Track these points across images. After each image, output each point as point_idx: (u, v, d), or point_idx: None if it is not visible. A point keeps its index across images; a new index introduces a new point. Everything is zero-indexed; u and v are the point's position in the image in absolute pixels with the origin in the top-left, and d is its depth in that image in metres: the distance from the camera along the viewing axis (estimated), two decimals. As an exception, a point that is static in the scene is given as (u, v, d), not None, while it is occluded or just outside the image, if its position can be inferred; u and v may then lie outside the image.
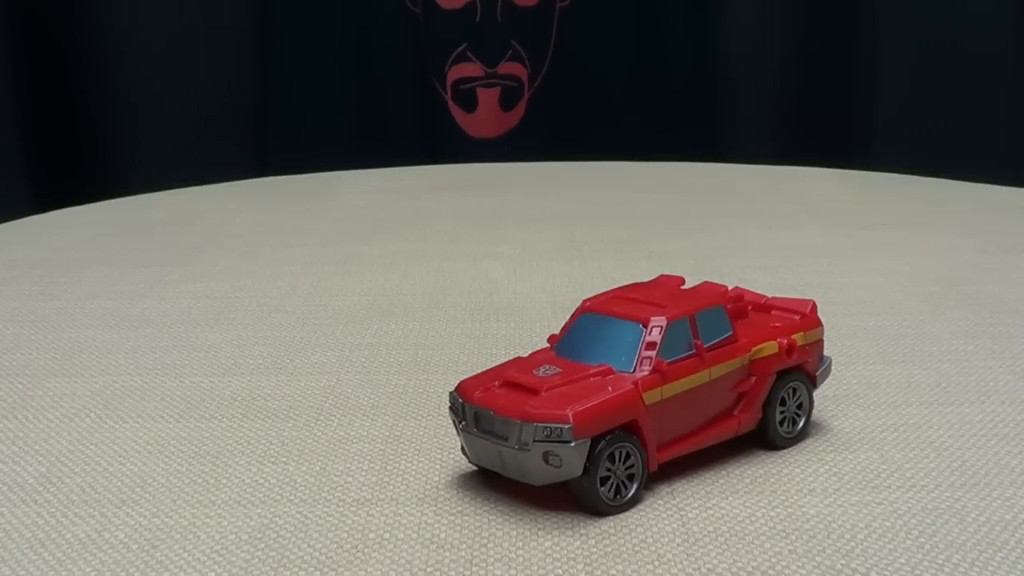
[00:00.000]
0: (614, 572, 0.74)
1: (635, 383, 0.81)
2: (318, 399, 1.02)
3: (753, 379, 0.88)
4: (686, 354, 0.85)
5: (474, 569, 0.75)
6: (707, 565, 0.74)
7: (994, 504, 0.82)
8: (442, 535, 0.79)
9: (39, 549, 0.78)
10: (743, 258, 1.48)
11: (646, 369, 0.82)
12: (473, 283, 1.38)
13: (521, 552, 0.77)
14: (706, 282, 0.94)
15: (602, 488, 0.80)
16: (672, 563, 0.75)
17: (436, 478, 0.87)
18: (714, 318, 0.87)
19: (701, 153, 2.33)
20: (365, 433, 0.95)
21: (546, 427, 0.78)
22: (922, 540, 0.77)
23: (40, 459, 0.92)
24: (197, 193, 2.00)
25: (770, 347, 0.89)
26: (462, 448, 0.85)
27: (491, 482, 0.86)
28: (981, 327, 1.20)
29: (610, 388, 0.81)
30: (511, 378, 0.83)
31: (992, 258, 1.48)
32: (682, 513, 0.81)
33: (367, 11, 2.64)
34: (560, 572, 0.74)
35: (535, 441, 0.78)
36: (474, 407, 0.82)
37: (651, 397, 0.82)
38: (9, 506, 0.84)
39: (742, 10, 2.64)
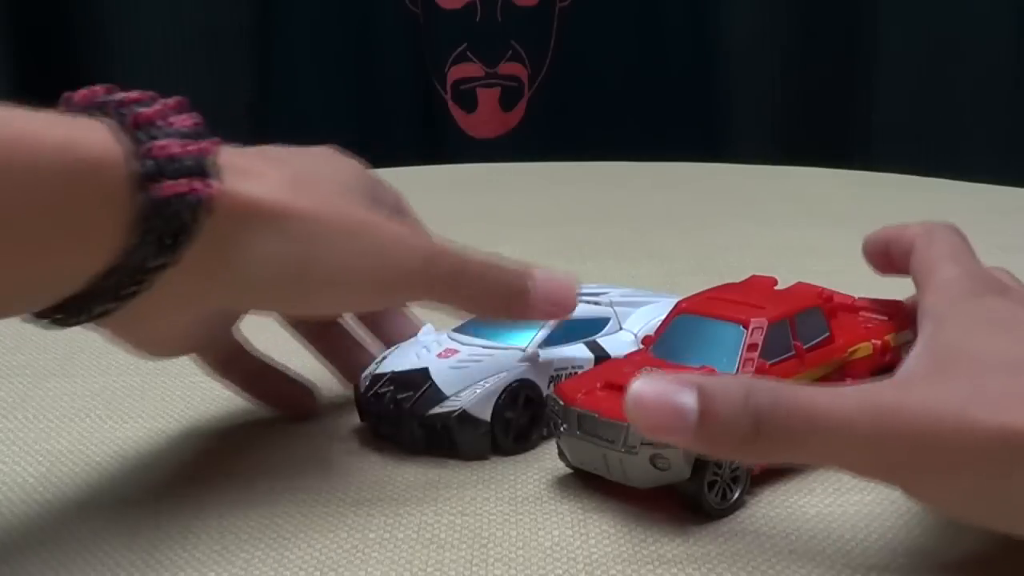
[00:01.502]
0: (614, 572, 0.74)
1: None
2: (318, 399, 1.02)
3: (848, 380, 0.88)
4: (786, 355, 0.84)
5: (474, 569, 0.75)
6: (707, 565, 0.74)
7: (994, 504, 0.82)
8: (442, 535, 0.79)
9: (39, 549, 0.78)
10: (743, 258, 1.48)
11: (749, 371, 0.81)
12: (473, 283, 1.37)
13: (521, 552, 0.77)
14: (800, 282, 0.93)
15: (709, 492, 0.79)
16: (672, 563, 0.75)
17: (436, 478, 0.87)
18: (812, 319, 0.87)
19: (701, 153, 2.33)
20: (365, 433, 0.95)
21: None
22: (923, 540, 0.77)
23: (40, 459, 0.92)
24: (197, 193, 2.00)
25: (864, 348, 0.89)
26: (560, 452, 0.85)
27: (491, 482, 0.86)
28: (981, 327, 1.20)
29: None
30: (614, 380, 0.82)
31: (992, 258, 1.48)
32: (682, 513, 0.81)
33: (367, 11, 2.64)
34: (560, 572, 0.74)
35: (643, 444, 0.77)
36: (577, 410, 0.81)
37: None
38: (9, 506, 0.84)
39: (742, 10, 2.64)
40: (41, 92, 0.75)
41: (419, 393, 0.90)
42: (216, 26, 2.50)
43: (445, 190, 1.96)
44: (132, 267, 0.68)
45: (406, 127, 2.71)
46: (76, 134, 0.67)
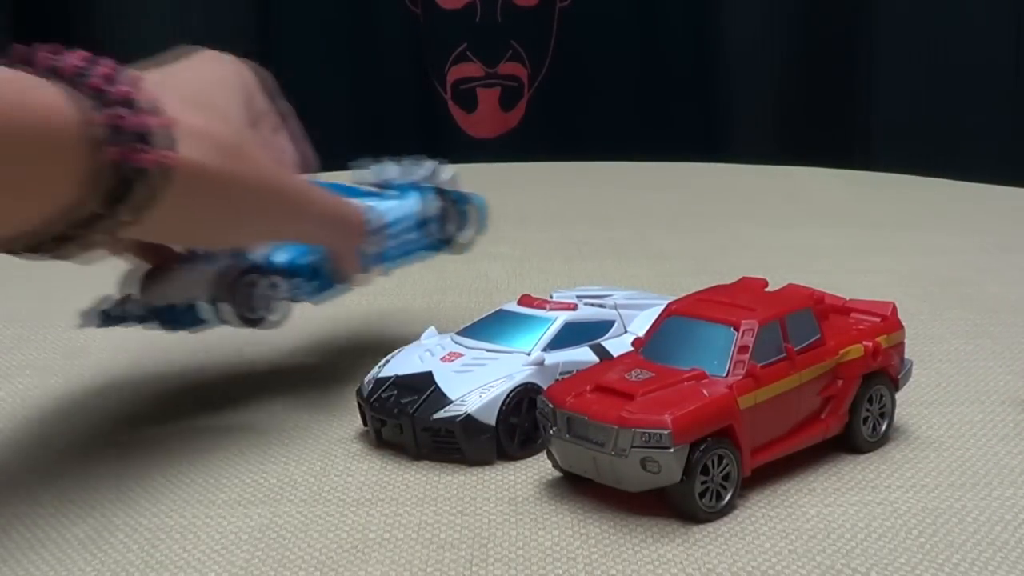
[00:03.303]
0: (614, 572, 0.74)
1: (730, 387, 0.80)
2: (319, 398, 1.02)
3: (840, 382, 0.88)
4: (777, 358, 0.84)
5: (474, 569, 0.75)
6: (707, 565, 0.74)
7: (994, 504, 0.82)
8: (442, 535, 0.79)
9: (39, 549, 0.78)
10: (743, 258, 1.48)
11: (740, 373, 0.81)
12: (473, 283, 1.37)
13: (521, 552, 0.77)
14: (791, 284, 0.93)
15: (701, 496, 0.79)
16: (672, 563, 0.75)
17: (436, 478, 0.87)
18: (803, 321, 0.86)
19: (701, 153, 2.33)
20: (365, 433, 0.95)
21: (644, 432, 0.77)
22: (922, 540, 0.77)
23: (40, 459, 0.92)
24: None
25: (856, 350, 0.88)
26: (548, 454, 0.85)
27: (491, 484, 0.86)
28: (981, 327, 1.20)
29: (706, 392, 0.80)
30: (604, 383, 0.82)
31: (992, 258, 1.48)
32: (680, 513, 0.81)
33: (367, 11, 2.64)
34: (560, 572, 0.74)
35: (633, 447, 0.77)
36: (567, 412, 0.81)
37: (745, 401, 0.81)
38: (9, 506, 0.84)
39: (742, 11, 2.64)
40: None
41: (423, 397, 0.89)
42: (216, 26, 2.50)
43: (445, 190, 1.97)
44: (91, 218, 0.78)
45: (406, 127, 2.71)
46: (49, 100, 0.75)
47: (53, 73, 0.77)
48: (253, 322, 0.97)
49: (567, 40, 2.72)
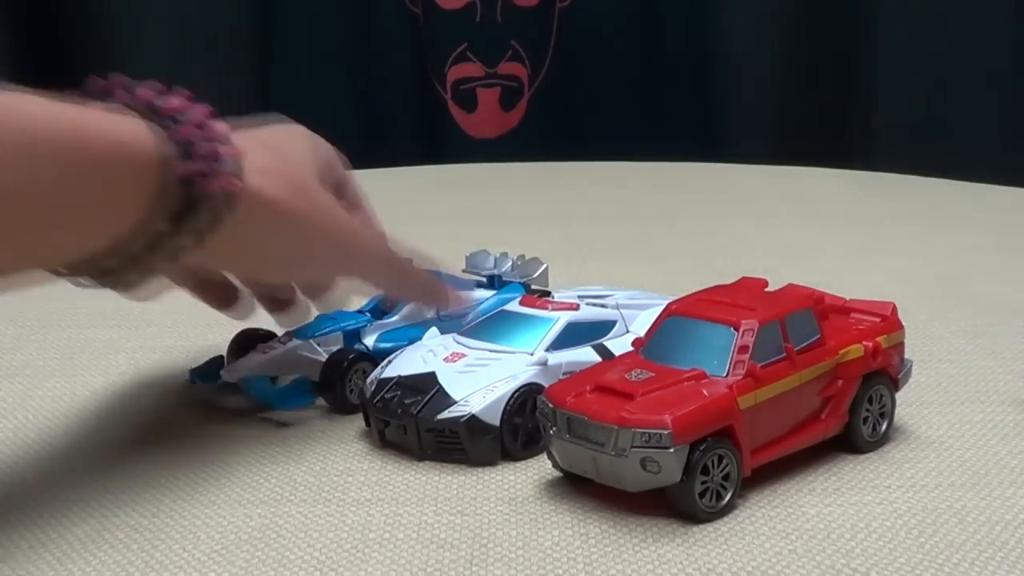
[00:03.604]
0: (614, 572, 0.74)
1: (729, 387, 0.80)
2: (317, 398, 1.02)
3: (840, 382, 0.88)
4: (777, 358, 0.84)
5: (474, 569, 0.75)
6: (707, 565, 0.74)
7: (994, 504, 0.82)
8: (442, 535, 0.79)
9: (39, 549, 0.78)
10: (743, 258, 1.48)
11: (740, 373, 0.81)
12: (473, 283, 1.37)
13: (521, 552, 0.77)
14: (791, 284, 0.93)
15: (700, 496, 0.79)
16: (672, 563, 0.75)
17: (436, 478, 0.87)
18: (803, 321, 0.86)
19: (701, 153, 2.33)
20: (366, 433, 0.95)
21: (644, 433, 0.77)
22: (922, 540, 0.77)
23: (40, 459, 0.92)
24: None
25: (856, 350, 0.88)
26: (549, 455, 0.85)
27: (491, 483, 0.86)
28: (981, 327, 1.20)
29: (706, 392, 0.80)
30: (604, 383, 0.82)
31: (992, 258, 1.48)
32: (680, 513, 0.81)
33: (367, 11, 2.64)
34: (560, 572, 0.74)
35: (633, 447, 0.77)
36: (567, 412, 0.81)
37: (745, 402, 0.81)
38: (9, 506, 0.84)
39: (742, 11, 2.64)
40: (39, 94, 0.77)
41: (427, 398, 0.89)
42: (216, 26, 2.50)
43: (445, 190, 1.97)
44: (162, 241, 0.80)
45: (406, 127, 2.71)
46: (125, 135, 0.78)
47: (127, 104, 0.81)
48: (346, 408, 0.98)
49: (567, 40, 2.71)
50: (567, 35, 2.71)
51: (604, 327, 0.98)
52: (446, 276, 1.09)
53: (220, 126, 0.82)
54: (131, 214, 0.78)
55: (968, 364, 1.09)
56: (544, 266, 1.13)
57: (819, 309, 0.89)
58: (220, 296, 1.04)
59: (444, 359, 0.93)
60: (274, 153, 0.88)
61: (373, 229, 1.03)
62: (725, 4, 2.65)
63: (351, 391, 0.98)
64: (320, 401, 1.00)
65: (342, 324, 1.03)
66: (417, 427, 0.88)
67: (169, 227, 0.79)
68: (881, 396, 0.91)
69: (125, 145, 0.77)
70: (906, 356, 0.94)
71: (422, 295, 1.04)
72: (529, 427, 0.89)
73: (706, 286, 0.93)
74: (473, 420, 0.88)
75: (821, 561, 0.75)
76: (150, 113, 0.80)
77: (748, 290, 0.91)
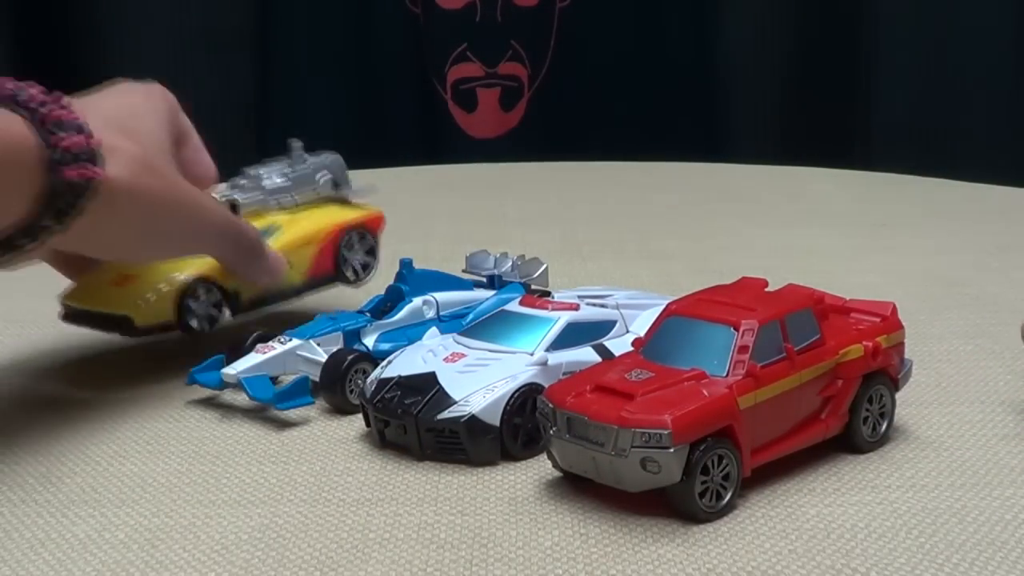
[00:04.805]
0: (614, 572, 0.74)
1: (730, 387, 0.80)
2: (318, 398, 1.02)
3: (840, 383, 0.88)
4: (777, 358, 0.84)
5: (474, 569, 0.75)
6: (707, 565, 0.75)
7: (994, 504, 0.82)
8: (442, 535, 0.79)
9: (39, 549, 0.78)
10: (743, 258, 1.48)
11: (740, 373, 0.81)
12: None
13: (521, 552, 0.77)
14: (791, 284, 0.93)
15: (700, 496, 0.79)
16: (672, 563, 0.75)
17: (436, 478, 0.87)
18: (803, 321, 0.86)
19: (701, 153, 2.33)
20: (366, 433, 0.95)
21: (644, 433, 0.77)
22: (922, 540, 0.77)
23: (40, 459, 0.92)
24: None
25: (856, 350, 0.88)
26: (549, 455, 0.85)
27: (491, 483, 0.86)
28: (981, 327, 1.20)
29: (705, 392, 0.80)
30: (604, 383, 0.82)
31: (992, 258, 1.48)
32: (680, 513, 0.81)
33: (367, 11, 2.64)
34: (560, 572, 0.74)
35: (633, 447, 0.77)
36: (567, 412, 0.81)
37: (745, 402, 0.81)
38: (9, 506, 0.84)
39: (742, 10, 2.64)
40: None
41: (427, 398, 0.89)
42: (216, 27, 2.50)
43: (445, 190, 1.96)
44: (31, 228, 0.89)
45: (406, 127, 2.70)
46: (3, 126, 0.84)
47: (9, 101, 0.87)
48: (347, 409, 0.99)
49: (567, 40, 2.71)
50: (567, 35, 2.71)
51: (604, 327, 0.98)
52: (446, 276, 1.09)
53: (77, 110, 0.89)
54: (16, 210, 0.86)
55: (968, 364, 1.09)
56: (544, 266, 1.13)
57: (819, 309, 0.89)
58: (72, 266, 1.10)
59: (444, 359, 0.93)
60: (125, 133, 0.94)
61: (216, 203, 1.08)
62: (725, 4, 2.65)
63: (351, 391, 0.98)
64: (320, 401, 1.00)
65: (342, 324, 1.03)
66: (417, 427, 0.88)
67: (38, 212, 0.86)
68: (881, 396, 0.91)
69: (11, 145, 0.83)
70: (906, 356, 0.94)
71: (265, 271, 1.09)
72: (529, 427, 0.89)
73: (706, 286, 0.93)
74: (473, 420, 0.88)
75: (821, 561, 0.75)
76: (14, 104, 0.86)
77: (748, 290, 0.91)
